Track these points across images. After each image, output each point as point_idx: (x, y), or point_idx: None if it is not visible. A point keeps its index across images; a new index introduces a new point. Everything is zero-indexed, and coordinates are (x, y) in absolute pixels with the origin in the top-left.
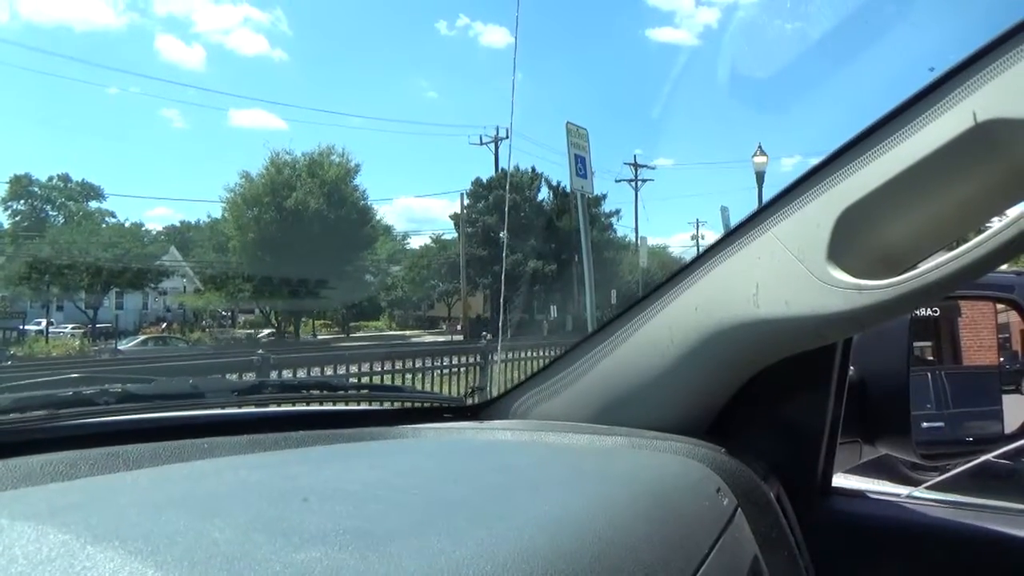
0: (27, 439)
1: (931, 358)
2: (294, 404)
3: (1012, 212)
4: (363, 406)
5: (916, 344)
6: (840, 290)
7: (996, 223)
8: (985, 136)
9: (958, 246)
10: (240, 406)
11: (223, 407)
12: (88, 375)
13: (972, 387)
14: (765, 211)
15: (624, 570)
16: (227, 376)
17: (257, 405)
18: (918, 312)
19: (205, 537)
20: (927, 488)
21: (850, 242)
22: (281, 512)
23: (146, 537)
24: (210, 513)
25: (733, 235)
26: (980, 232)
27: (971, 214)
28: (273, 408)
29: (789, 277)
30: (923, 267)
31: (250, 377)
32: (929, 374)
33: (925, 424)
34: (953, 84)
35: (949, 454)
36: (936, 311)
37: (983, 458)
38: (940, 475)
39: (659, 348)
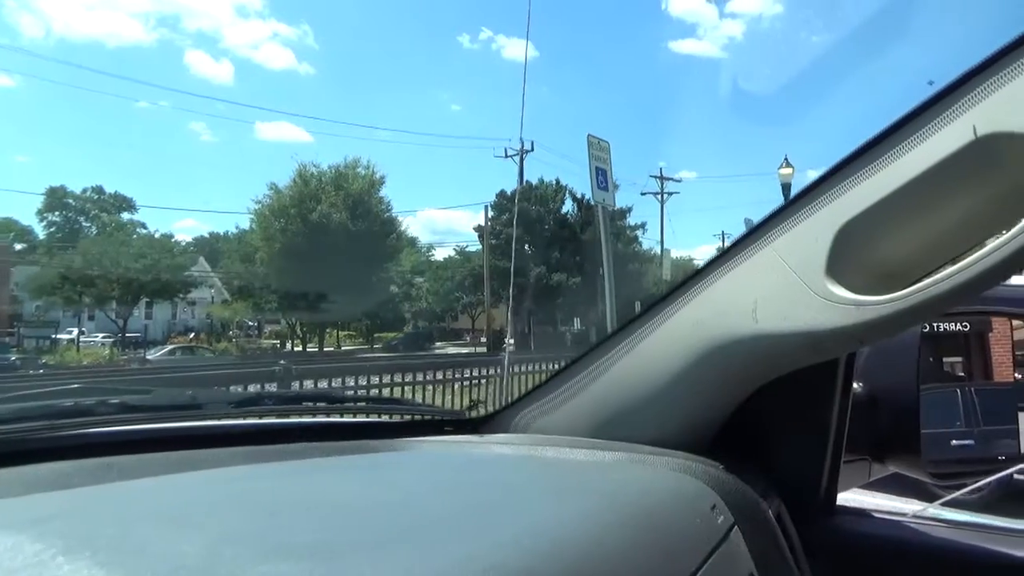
0: (25, 449)
1: (962, 374)
2: (298, 416)
3: (1013, 227)
4: (363, 418)
5: (947, 360)
6: (838, 305)
7: (997, 238)
8: (985, 150)
9: (958, 261)
10: (239, 418)
11: (222, 419)
12: (87, 386)
13: (990, 404)
14: (765, 225)
15: None
16: (249, 387)
17: (257, 417)
18: (948, 328)
19: (174, 549)
20: (943, 505)
21: (849, 257)
22: (258, 525)
23: (116, 548)
24: (185, 525)
25: (733, 250)
26: (981, 247)
27: (971, 229)
28: (274, 420)
29: (788, 292)
30: (922, 283)
31: (272, 387)
32: (959, 391)
33: (955, 442)
34: (953, 98)
35: (962, 472)
36: (966, 326)
37: (996, 476)
38: (959, 492)
39: (659, 363)
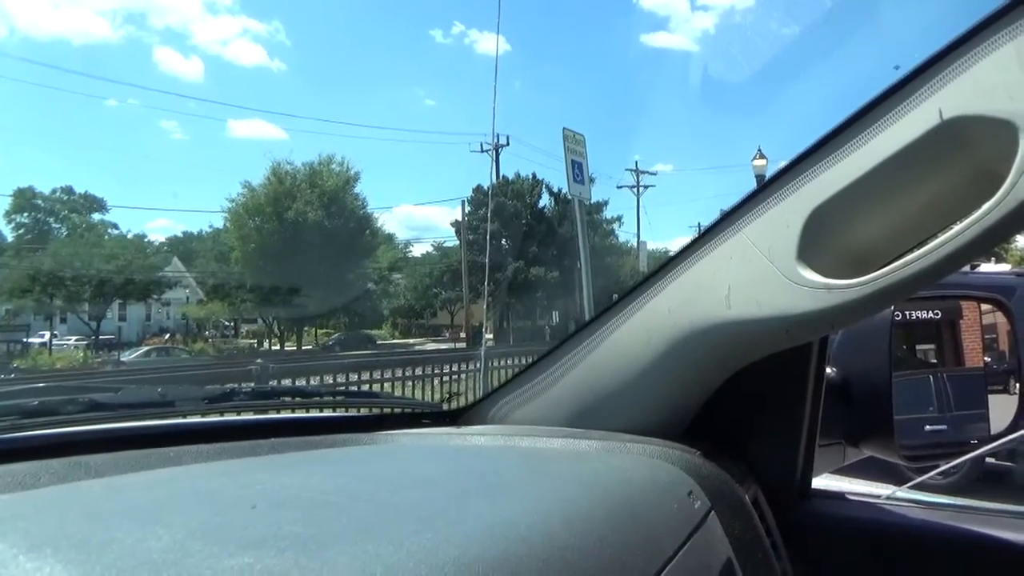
0: None
1: (934, 360)
2: (274, 412)
3: (979, 210)
4: (340, 412)
5: (919, 347)
6: (809, 290)
7: (962, 221)
8: (951, 134)
9: (927, 244)
10: (211, 414)
11: (195, 415)
12: (54, 385)
13: (962, 389)
14: (736, 212)
15: (575, 573)
16: (226, 384)
17: (231, 413)
18: (920, 315)
19: (140, 545)
20: (916, 487)
21: (820, 242)
22: (226, 519)
23: (80, 546)
24: (153, 521)
25: (705, 237)
26: (948, 230)
27: (939, 213)
28: (249, 416)
29: (760, 278)
30: (891, 266)
31: (249, 385)
32: (931, 376)
33: (928, 427)
34: (919, 82)
35: (934, 455)
36: (938, 314)
37: (967, 457)
38: (932, 474)
39: (634, 351)
